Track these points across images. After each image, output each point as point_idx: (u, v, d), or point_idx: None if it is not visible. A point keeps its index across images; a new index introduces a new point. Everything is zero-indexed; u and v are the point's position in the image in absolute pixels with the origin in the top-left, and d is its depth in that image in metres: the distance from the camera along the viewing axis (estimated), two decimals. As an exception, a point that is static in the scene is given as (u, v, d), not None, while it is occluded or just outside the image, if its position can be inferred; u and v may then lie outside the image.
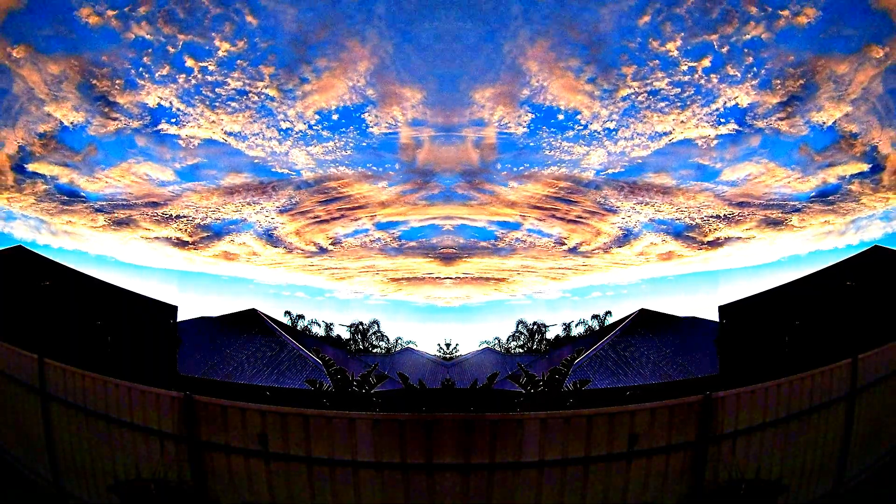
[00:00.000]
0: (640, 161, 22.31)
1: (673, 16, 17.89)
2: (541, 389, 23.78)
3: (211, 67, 19.98)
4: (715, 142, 21.85)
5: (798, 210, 25.08)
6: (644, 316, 31.21)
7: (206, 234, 27.72)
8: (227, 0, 18.20)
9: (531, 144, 21.42)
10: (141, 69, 20.20)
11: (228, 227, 27.65)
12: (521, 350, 36.88)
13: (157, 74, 20.23)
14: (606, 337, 30.40)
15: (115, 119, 21.91)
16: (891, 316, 17.02)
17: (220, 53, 19.62)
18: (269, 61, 19.77)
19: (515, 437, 12.75)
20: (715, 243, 26.58)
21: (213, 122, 21.64)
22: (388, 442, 12.79)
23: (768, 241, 26.66)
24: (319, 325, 37.59)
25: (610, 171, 22.89)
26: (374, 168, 23.40)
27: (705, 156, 22.41)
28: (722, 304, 24.68)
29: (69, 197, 24.99)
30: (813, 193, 24.07)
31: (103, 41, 19.47)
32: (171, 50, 19.64)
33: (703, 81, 19.61)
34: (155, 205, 25.63)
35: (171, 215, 26.29)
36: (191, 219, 26.58)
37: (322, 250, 27.72)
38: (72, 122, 22.19)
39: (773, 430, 13.50)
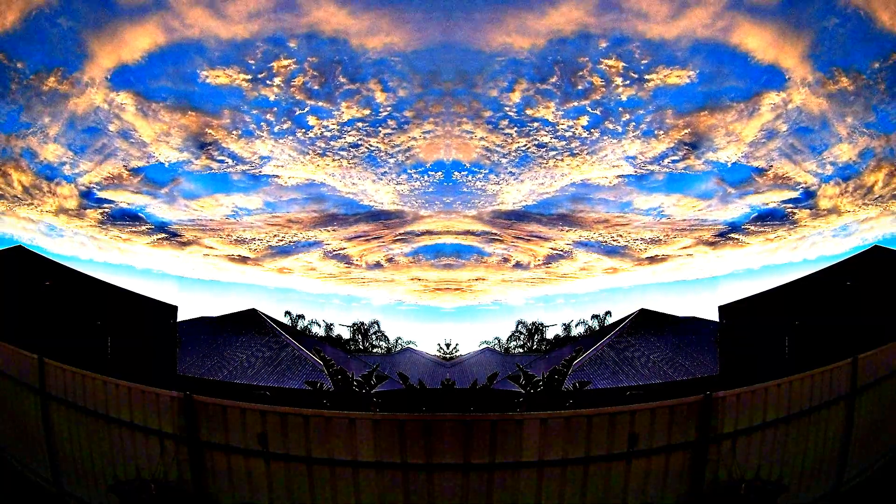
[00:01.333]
0: (549, 196, 26.14)
1: (541, 90, 21.41)
2: (540, 389, 23.79)
3: (331, 126, 22.83)
4: (617, 180, 25.35)
5: (736, 230, 28.50)
6: (644, 316, 31.22)
7: (272, 253, 30.90)
8: (362, 77, 21.07)
9: (449, 185, 25.35)
10: (262, 123, 23.01)
11: (299, 248, 30.72)
12: (520, 350, 36.92)
13: (276, 128, 23.10)
14: (606, 337, 30.40)
15: (220, 161, 24.90)
16: (891, 316, 17.02)
17: (344, 117, 22.50)
18: (388, 125, 22.86)
19: (515, 437, 12.75)
20: (655, 259, 29.86)
21: (319, 166, 24.63)
22: (388, 442, 12.78)
23: (711, 256, 30.06)
24: (319, 325, 37.64)
25: (524, 204, 26.36)
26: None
27: (613, 191, 25.89)
28: (722, 304, 24.73)
29: (131, 219, 27.99)
30: (754, 215, 27.47)
31: (226, 97, 22.27)
32: (297, 111, 22.55)
33: (585, 135, 22.85)
34: (228, 228, 28.83)
35: (246, 238, 29.65)
36: (264, 241, 29.78)
37: (377, 265, 30.65)
38: (168, 160, 25.18)
39: (773, 430, 13.50)
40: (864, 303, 18.23)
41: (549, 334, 37.15)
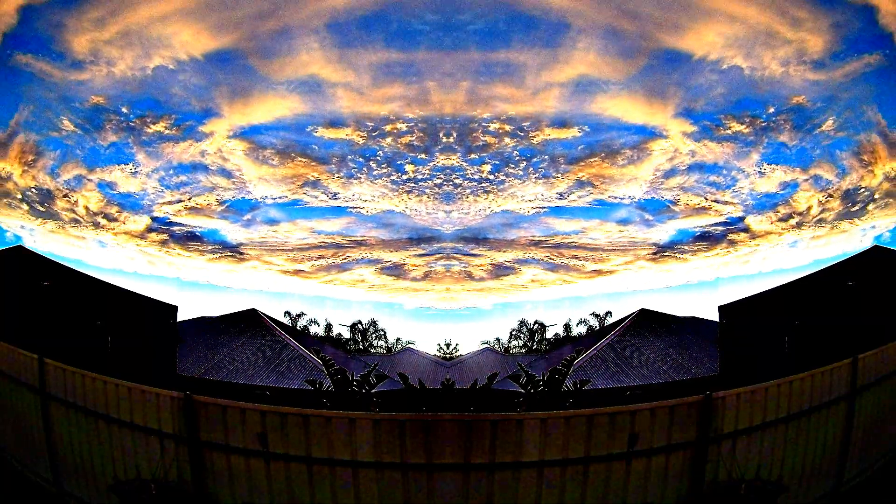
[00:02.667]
0: (477, 223, 29.65)
1: (445, 146, 24.91)
2: (541, 389, 23.77)
3: (424, 171, 25.79)
4: (533, 210, 28.69)
5: (671, 248, 31.96)
6: (644, 316, 31.20)
7: (329, 267, 33.85)
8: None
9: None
10: (363, 168, 26.19)
11: (358, 263, 33.64)
12: (521, 350, 36.88)
13: (374, 172, 26.16)
14: (606, 337, 30.36)
15: (315, 197, 28.20)
16: (891, 316, 17.02)
17: (437, 164, 25.29)
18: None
19: (515, 437, 12.75)
20: (601, 272, 33.59)
21: (402, 200, 27.61)
22: (388, 442, 12.78)
23: (654, 270, 33.54)
24: (319, 325, 37.60)
25: (458, 229, 29.92)
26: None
27: (533, 218, 29.31)
28: (722, 304, 24.73)
29: (193, 239, 31.25)
30: (697, 233, 30.88)
31: (336, 147, 25.40)
32: (398, 160, 25.43)
33: (492, 177, 26.62)
34: (297, 248, 32.09)
35: (310, 256, 32.79)
36: (327, 258, 32.79)
37: (426, 276, 32.96)
38: (262, 197, 28.59)
39: (773, 430, 13.50)
40: (864, 303, 18.23)
41: (550, 334, 37.16)
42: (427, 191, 27.17)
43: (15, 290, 18.20)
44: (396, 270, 33.11)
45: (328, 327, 37.57)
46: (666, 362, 27.56)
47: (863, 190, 26.88)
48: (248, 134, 25.66)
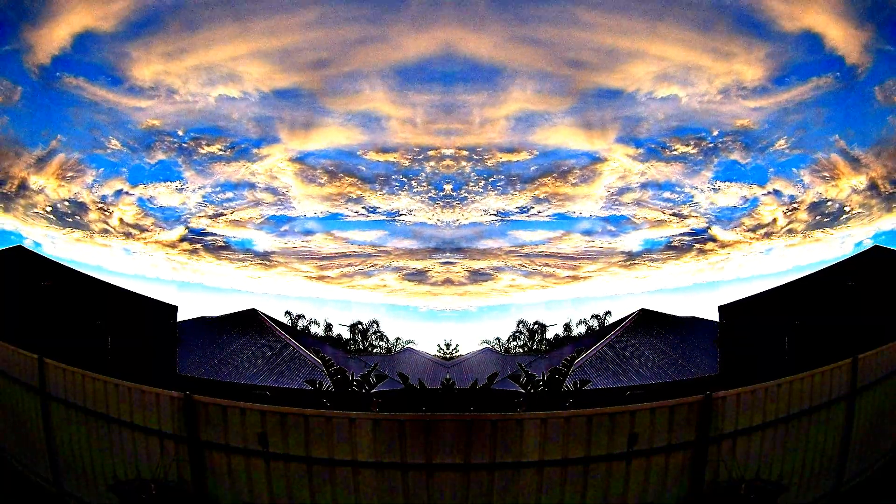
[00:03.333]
0: (449, 235, 31.88)
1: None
2: (541, 389, 23.76)
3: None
4: (499, 222, 31.36)
5: (640, 256, 33.94)
6: (644, 316, 31.18)
7: (353, 273, 36.02)
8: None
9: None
10: (405, 186, 28.91)
11: (383, 271, 35.62)
12: (521, 350, 36.88)
13: (415, 189, 28.88)
14: (606, 337, 30.35)
15: (355, 212, 30.81)
16: (891, 316, 17.02)
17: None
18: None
19: (515, 437, 12.75)
20: (578, 277, 35.67)
21: (436, 213, 29.91)
22: (388, 442, 12.78)
23: (625, 276, 35.79)
24: (319, 325, 37.61)
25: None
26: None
27: (501, 233, 31.98)
28: (722, 304, 24.71)
29: (222, 248, 33.40)
30: (665, 243, 32.98)
31: (382, 168, 28.02)
32: (438, 180, 28.69)
33: (455, 194, 29.29)
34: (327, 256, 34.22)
35: (339, 263, 34.87)
36: (354, 265, 34.83)
37: (448, 281, 34.76)
38: (305, 213, 31.19)
39: (773, 430, 13.50)
40: (864, 303, 18.23)
41: (550, 334, 37.18)
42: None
43: (15, 290, 18.19)
44: (420, 276, 34.72)
45: (328, 327, 37.59)
46: (666, 362, 27.55)
47: (830, 202, 28.85)
48: (302, 158, 28.07)
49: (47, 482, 14.44)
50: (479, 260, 32.20)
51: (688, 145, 27.22)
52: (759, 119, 25.79)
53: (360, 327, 37.46)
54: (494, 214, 30.03)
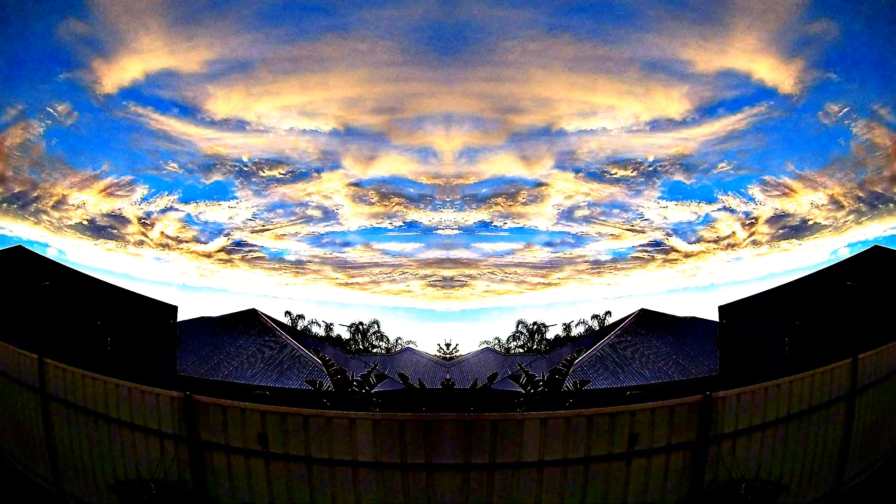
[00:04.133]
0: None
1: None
2: (541, 389, 23.77)
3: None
4: (463, 236, 32.93)
5: (611, 264, 36.03)
6: (644, 316, 31.20)
7: (381, 281, 37.82)
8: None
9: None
10: (431, 200, 31.05)
11: (414, 276, 37.00)
12: (521, 350, 36.88)
13: (439, 201, 30.79)
14: (606, 337, 30.37)
15: (398, 228, 32.71)
16: (891, 316, 17.02)
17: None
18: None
19: (515, 437, 12.75)
20: (552, 283, 37.75)
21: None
22: (388, 442, 12.78)
23: (594, 281, 37.88)
24: (319, 325, 37.60)
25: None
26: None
27: (465, 245, 33.35)
28: (722, 304, 24.72)
29: (258, 258, 35.49)
30: (630, 253, 34.98)
31: (425, 188, 30.18)
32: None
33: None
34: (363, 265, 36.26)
35: (371, 272, 36.84)
36: (386, 273, 36.73)
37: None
38: (349, 228, 33.09)
39: (773, 430, 13.50)
40: (864, 303, 18.23)
41: (550, 334, 37.18)
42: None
43: (15, 290, 18.19)
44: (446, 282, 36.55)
45: (328, 327, 37.57)
46: (666, 362, 27.56)
47: (789, 217, 30.87)
48: (362, 184, 30.16)
49: (47, 482, 14.44)
50: (450, 269, 33.67)
51: (626, 169, 29.17)
52: (694, 146, 27.74)
53: (360, 327, 37.47)
54: (456, 228, 31.74)
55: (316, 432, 12.84)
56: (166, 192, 30.75)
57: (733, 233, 32.44)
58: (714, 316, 25.34)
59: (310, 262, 35.76)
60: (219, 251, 34.04)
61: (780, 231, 31.45)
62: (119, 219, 31.00)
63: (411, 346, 37.45)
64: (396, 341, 37.91)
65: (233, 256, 34.77)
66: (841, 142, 26.63)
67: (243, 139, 27.65)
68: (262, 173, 29.33)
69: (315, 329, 37.25)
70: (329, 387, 24.09)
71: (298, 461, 12.93)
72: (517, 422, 12.86)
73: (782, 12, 21.40)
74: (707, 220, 32.15)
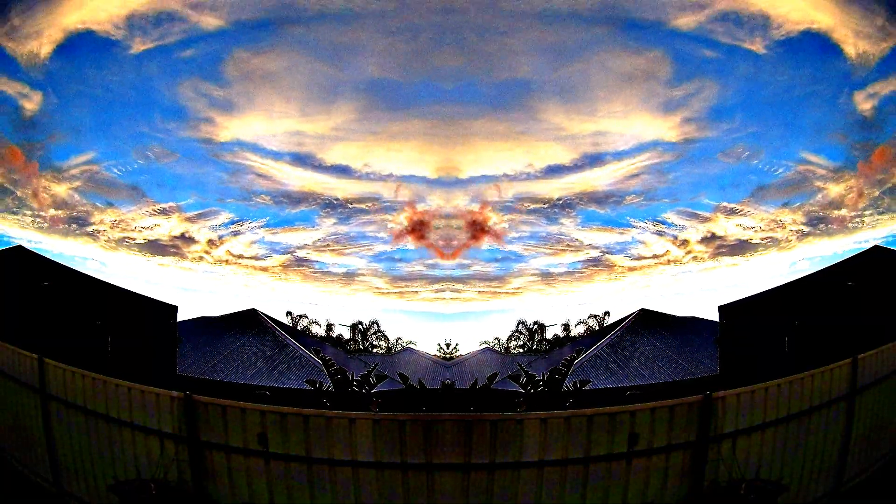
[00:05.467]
0: None
1: None
2: (541, 389, 23.77)
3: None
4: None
5: (556, 276, 39.29)
6: (644, 316, 31.18)
7: (420, 290, 39.69)
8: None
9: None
10: None
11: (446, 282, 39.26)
12: (521, 350, 36.88)
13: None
14: (606, 337, 30.36)
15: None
16: (891, 316, 17.01)
17: None
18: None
19: (516, 437, 12.75)
20: (515, 291, 40.32)
21: None
22: (388, 442, 12.78)
23: (545, 290, 40.65)
24: (319, 325, 37.60)
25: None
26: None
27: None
28: (722, 304, 24.71)
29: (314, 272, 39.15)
30: (575, 267, 38.38)
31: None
32: None
33: None
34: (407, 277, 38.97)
35: (411, 283, 39.19)
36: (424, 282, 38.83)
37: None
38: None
39: (773, 430, 13.50)
40: (864, 303, 18.23)
41: (549, 334, 37.20)
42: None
43: (15, 290, 18.19)
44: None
45: (329, 327, 37.56)
46: (666, 362, 27.54)
47: (720, 238, 34.51)
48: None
49: (47, 482, 14.44)
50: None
51: (536, 203, 32.78)
52: (599, 184, 31.89)
53: (361, 327, 37.46)
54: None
55: (316, 432, 12.84)
56: (249, 220, 34.81)
57: (667, 251, 36.12)
58: (714, 315, 25.42)
59: (360, 274, 39.00)
60: (275, 266, 37.52)
61: (719, 250, 35.19)
62: (186, 239, 34.63)
63: (411, 346, 37.45)
64: (396, 341, 37.92)
65: (288, 271, 38.18)
66: (751, 177, 31.90)
67: (346, 182, 31.61)
68: (349, 205, 32.97)
69: (315, 329, 37.26)
70: (329, 387, 24.08)
71: (298, 461, 12.93)
72: (517, 422, 12.86)
73: (639, 86, 27.57)
74: (634, 241, 36.05)
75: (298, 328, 36.12)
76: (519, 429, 12.77)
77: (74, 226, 32.19)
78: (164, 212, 33.21)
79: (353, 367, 26.60)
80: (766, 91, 28.51)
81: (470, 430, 12.77)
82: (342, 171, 31.19)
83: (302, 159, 30.88)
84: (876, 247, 20.06)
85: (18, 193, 29.87)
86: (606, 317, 35.70)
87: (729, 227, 33.92)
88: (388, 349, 37.29)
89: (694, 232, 34.88)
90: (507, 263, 37.63)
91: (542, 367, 27.07)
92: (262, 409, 13.17)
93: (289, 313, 36.57)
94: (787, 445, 13.58)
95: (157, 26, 26.15)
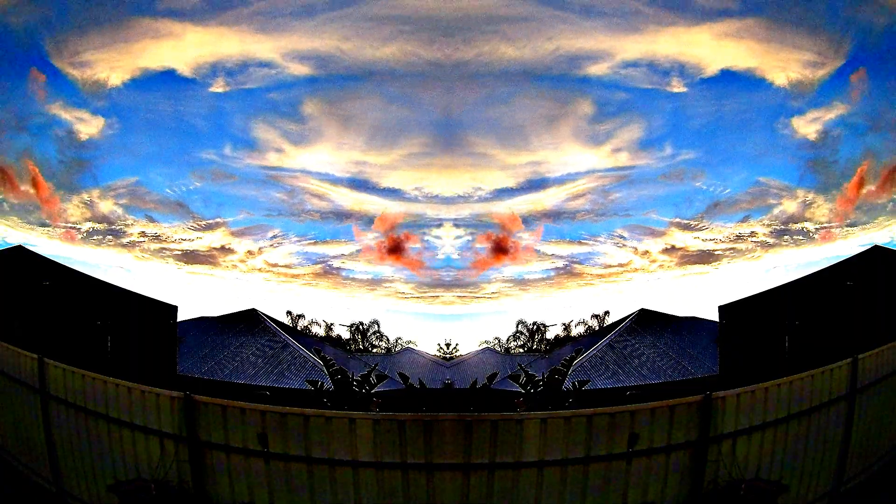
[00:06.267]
0: None
1: None
2: (541, 389, 23.77)
3: None
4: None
5: (528, 281, 40.36)
6: (644, 316, 31.17)
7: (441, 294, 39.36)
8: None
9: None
10: None
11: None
12: (521, 350, 36.88)
13: None
14: (606, 337, 30.34)
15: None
16: (891, 316, 17.01)
17: None
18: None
19: (515, 437, 12.75)
20: (489, 296, 40.63)
21: None
22: (388, 442, 12.78)
23: (518, 296, 41.34)
24: (319, 325, 37.60)
25: None
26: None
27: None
28: (722, 304, 24.71)
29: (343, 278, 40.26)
30: (546, 273, 39.66)
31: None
32: None
33: None
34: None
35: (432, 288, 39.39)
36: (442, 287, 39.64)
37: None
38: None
39: (773, 430, 13.50)
40: (864, 303, 18.22)
41: (550, 334, 37.21)
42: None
43: (15, 290, 18.18)
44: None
45: (329, 327, 37.55)
46: (666, 362, 27.54)
47: (681, 248, 36.66)
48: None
49: (47, 482, 14.44)
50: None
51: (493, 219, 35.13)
52: (547, 205, 34.27)
53: (361, 327, 37.46)
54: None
55: (316, 432, 12.84)
56: (294, 234, 36.96)
57: (630, 261, 38.20)
58: (714, 315, 25.43)
59: (387, 280, 40.13)
60: (307, 274, 39.13)
61: (683, 260, 37.58)
62: (224, 250, 36.97)
63: (411, 346, 37.44)
64: (396, 341, 37.91)
65: (318, 279, 39.73)
66: (700, 196, 34.54)
67: (397, 204, 33.45)
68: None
69: (315, 329, 37.27)
70: (329, 387, 24.07)
71: (298, 461, 12.93)
72: (517, 422, 12.87)
73: (565, 124, 30.30)
74: (599, 253, 38.28)
75: (298, 328, 36.11)
76: (519, 429, 12.78)
77: (110, 237, 33.94)
78: (208, 227, 35.27)
79: (353, 368, 26.59)
80: (694, 121, 31.45)
81: (470, 430, 12.78)
82: (395, 193, 33.35)
83: (359, 183, 33.50)
84: (876, 247, 20.03)
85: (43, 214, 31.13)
86: (607, 317, 35.73)
87: (687, 240, 36.58)
88: (388, 349, 37.29)
89: (653, 244, 37.40)
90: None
91: (542, 367, 27.06)
92: (262, 409, 13.18)
93: (288, 313, 36.58)
94: (787, 445, 13.58)
95: (242, 72, 28.87)
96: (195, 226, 34.75)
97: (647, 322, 30.62)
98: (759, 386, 13.48)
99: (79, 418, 13.90)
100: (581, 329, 36.60)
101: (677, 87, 29.02)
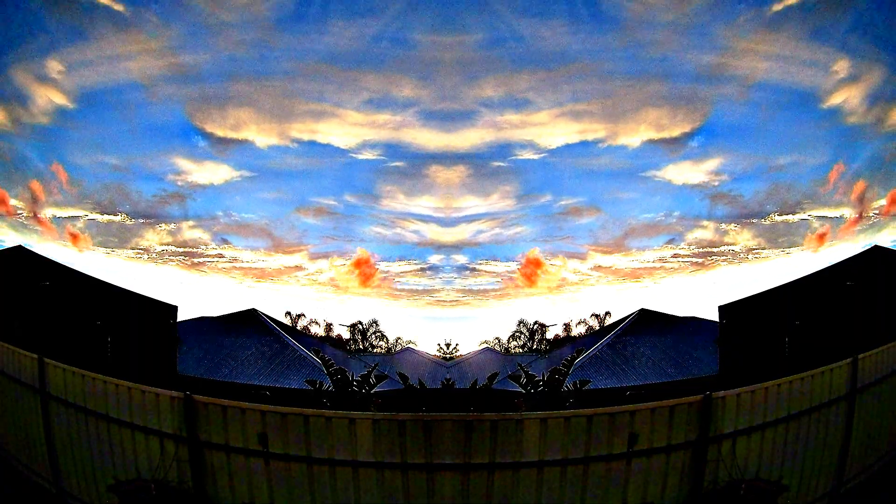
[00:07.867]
0: None
1: None
2: (541, 389, 23.76)
3: None
4: None
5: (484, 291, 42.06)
6: (644, 316, 31.17)
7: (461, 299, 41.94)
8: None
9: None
10: None
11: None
12: (521, 350, 36.84)
13: None
14: (606, 337, 30.35)
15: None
16: (891, 316, 17.02)
17: None
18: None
19: (515, 437, 12.75)
20: (452, 303, 41.45)
21: None
22: (388, 442, 12.78)
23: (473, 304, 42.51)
24: (319, 325, 37.58)
25: None
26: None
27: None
28: (722, 304, 24.71)
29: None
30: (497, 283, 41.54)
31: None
32: None
33: None
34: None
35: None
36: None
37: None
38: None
39: (773, 430, 13.50)
40: (864, 303, 18.22)
41: (550, 334, 37.19)
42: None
43: (15, 290, 18.18)
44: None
45: (328, 327, 37.54)
46: (666, 362, 27.55)
47: (604, 268, 39.63)
48: None
49: (47, 482, 14.44)
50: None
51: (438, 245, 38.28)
52: (459, 237, 36.92)
53: (360, 327, 37.43)
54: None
55: (316, 432, 12.84)
56: (375, 253, 39.97)
57: (564, 279, 40.88)
58: (714, 315, 25.44)
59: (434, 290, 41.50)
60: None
61: (622, 275, 40.43)
62: (296, 268, 40.35)
63: (411, 346, 37.42)
64: (396, 341, 37.88)
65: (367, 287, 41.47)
66: (608, 227, 37.79)
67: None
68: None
69: (315, 329, 37.25)
70: (329, 387, 24.06)
71: (298, 461, 12.93)
72: (517, 422, 12.87)
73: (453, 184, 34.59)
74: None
75: (298, 328, 36.10)
76: (519, 429, 12.77)
77: (182, 258, 37.58)
78: (288, 251, 38.71)
79: (352, 367, 26.58)
80: (564, 175, 36.19)
81: (470, 430, 12.78)
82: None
83: (440, 220, 36.61)
84: (876, 247, 20.05)
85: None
86: (608, 316, 35.71)
87: (612, 261, 39.56)
88: (388, 349, 37.27)
89: (579, 263, 40.17)
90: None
91: (542, 367, 27.06)
92: (262, 409, 13.18)
93: (288, 313, 36.55)
94: (787, 445, 13.58)
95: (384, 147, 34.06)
96: (276, 249, 38.79)
97: (647, 322, 30.62)
98: (759, 386, 13.48)
99: (79, 418, 13.90)
100: (581, 329, 36.62)
101: (530, 154, 34.67)
